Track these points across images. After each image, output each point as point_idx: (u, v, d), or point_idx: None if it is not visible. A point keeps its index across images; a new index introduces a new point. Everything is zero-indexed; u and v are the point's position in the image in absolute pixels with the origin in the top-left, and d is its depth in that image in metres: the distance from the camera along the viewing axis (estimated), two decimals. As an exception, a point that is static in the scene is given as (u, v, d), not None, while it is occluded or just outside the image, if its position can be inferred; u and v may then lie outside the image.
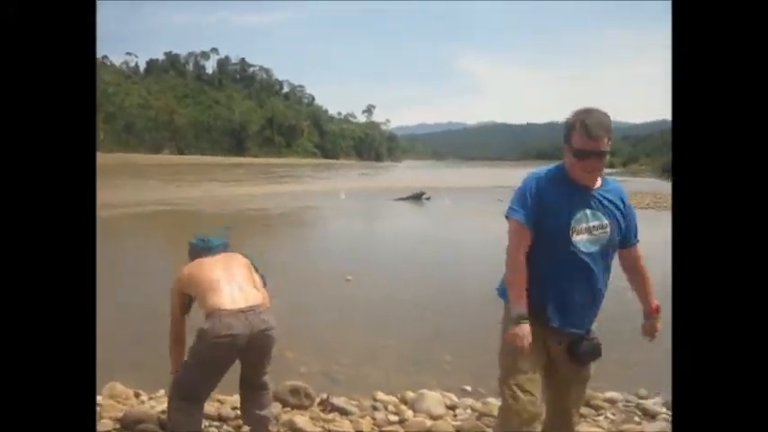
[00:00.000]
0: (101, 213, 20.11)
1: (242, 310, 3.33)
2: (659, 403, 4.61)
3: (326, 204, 28.23)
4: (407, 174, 79.14)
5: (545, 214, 2.87)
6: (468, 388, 5.29)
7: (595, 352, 2.96)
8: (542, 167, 3.11)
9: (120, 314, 7.50)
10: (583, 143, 2.74)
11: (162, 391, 4.71)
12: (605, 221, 2.87)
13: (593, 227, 2.86)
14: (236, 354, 3.40)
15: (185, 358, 3.44)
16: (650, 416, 4.42)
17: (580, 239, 2.84)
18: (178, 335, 3.67)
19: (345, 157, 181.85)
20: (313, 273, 11.13)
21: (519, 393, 2.96)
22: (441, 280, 10.84)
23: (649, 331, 3.07)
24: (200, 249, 3.73)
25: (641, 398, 4.75)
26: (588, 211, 2.86)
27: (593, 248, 2.87)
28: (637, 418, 4.43)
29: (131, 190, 32.54)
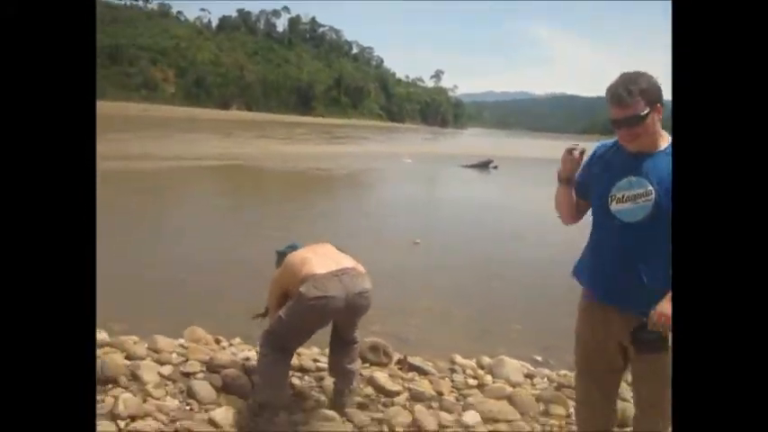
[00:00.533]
0: (169, 164, 20.69)
1: (334, 274, 3.44)
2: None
3: (391, 167, 28.26)
4: (472, 141, 78.47)
5: (592, 183, 2.83)
6: (539, 358, 5.28)
7: (655, 343, 2.58)
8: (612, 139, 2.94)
9: (188, 265, 7.77)
10: (613, 112, 2.61)
11: (238, 339, 4.87)
12: (650, 188, 2.63)
13: (638, 194, 2.66)
14: (331, 315, 3.51)
15: (280, 313, 3.51)
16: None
17: (622, 208, 2.69)
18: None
19: (411, 120, 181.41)
20: (381, 235, 11.21)
21: (590, 394, 2.92)
22: (507, 249, 10.81)
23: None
24: (285, 255, 3.80)
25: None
26: (633, 178, 2.67)
27: (638, 217, 2.65)
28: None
29: (200, 144, 33.15)
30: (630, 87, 2.55)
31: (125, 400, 3.42)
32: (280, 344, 3.51)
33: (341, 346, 3.75)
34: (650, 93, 2.58)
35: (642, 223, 2.65)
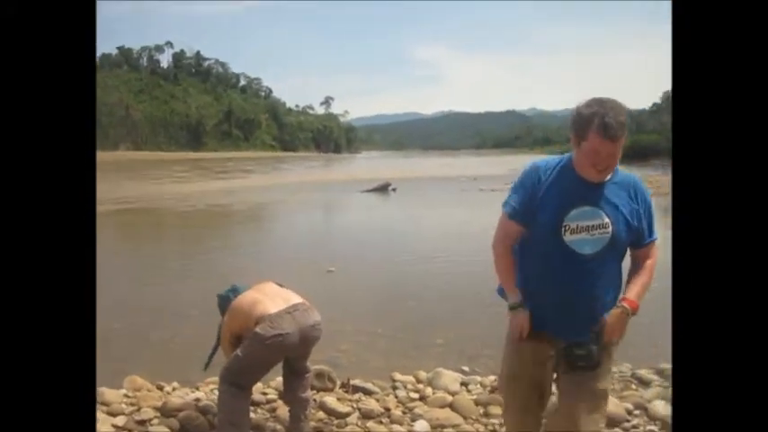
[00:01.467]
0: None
1: (287, 311, 3.59)
2: (651, 372, 4.99)
3: (291, 198, 28.26)
4: (368, 165, 79.17)
5: (540, 208, 2.61)
6: (466, 368, 5.55)
7: (587, 358, 2.61)
8: (548, 157, 2.79)
9: (103, 313, 7.66)
10: (600, 144, 2.40)
11: (175, 383, 4.92)
12: (606, 220, 2.54)
13: (593, 226, 2.55)
14: (287, 350, 3.64)
15: (238, 352, 3.58)
16: (645, 383, 4.79)
17: (576, 239, 2.55)
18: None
19: (304, 149, 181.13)
20: (293, 266, 11.30)
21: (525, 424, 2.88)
22: (416, 268, 11.12)
23: (606, 322, 2.66)
24: (229, 299, 3.86)
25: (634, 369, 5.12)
26: (588, 209, 2.55)
27: (593, 250, 2.56)
28: (633, 386, 4.79)
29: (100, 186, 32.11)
30: (620, 119, 2.41)
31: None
32: (238, 381, 3.58)
33: (295, 376, 3.87)
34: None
35: (597, 255, 2.58)
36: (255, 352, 3.53)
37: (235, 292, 3.88)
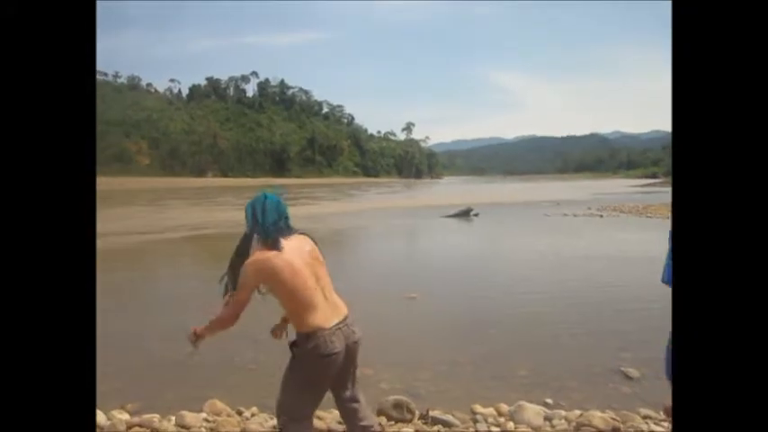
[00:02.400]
0: (146, 237, 20.67)
1: (338, 327, 3.32)
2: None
3: (374, 223, 28.43)
4: (449, 190, 79.09)
5: None
6: (550, 401, 5.38)
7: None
8: None
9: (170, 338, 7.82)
10: None
11: (254, 408, 4.94)
12: None
13: None
14: (336, 370, 3.37)
15: (287, 382, 3.39)
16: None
17: None
18: (233, 318, 3.32)
19: (386, 174, 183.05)
20: (377, 291, 11.31)
21: None
22: (499, 296, 10.94)
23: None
24: (278, 230, 3.35)
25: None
26: None
27: None
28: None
29: (179, 213, 33.13)
30: None
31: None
32: (297, 413, 3.38)
33: (349, 405, 3.62)
34: None
35: None
36: (310, 372, 3.31)
37: (286, 226, 3.40)
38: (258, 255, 3.24)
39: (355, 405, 3.63)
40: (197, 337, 3.45)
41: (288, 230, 3.38)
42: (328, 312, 3.33)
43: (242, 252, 3.32)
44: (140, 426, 4.37)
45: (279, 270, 3.20)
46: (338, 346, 3.28)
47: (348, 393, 3.59)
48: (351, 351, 3.39)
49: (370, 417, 3.72)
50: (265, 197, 3.40)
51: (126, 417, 4.55)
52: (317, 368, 3.29)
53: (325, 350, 3.23)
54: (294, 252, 3.29)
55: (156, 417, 4.53)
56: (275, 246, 3.25)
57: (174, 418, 4.49)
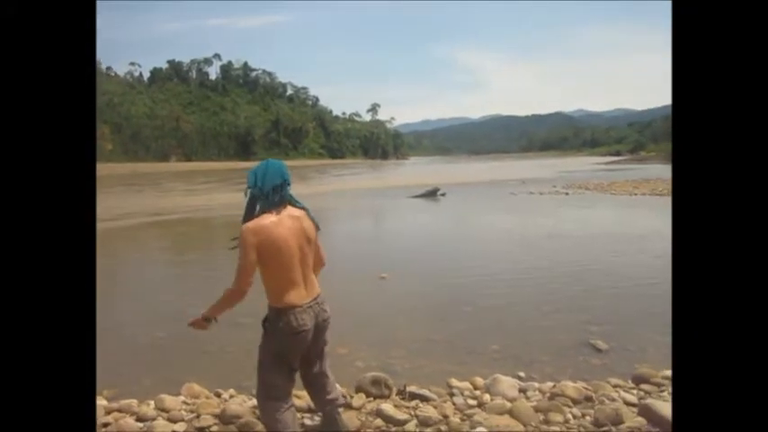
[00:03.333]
0: (113, 224, 20.41)
1: (309, 305, 3.42)
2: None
3: (340, 205, 28.42)
4: (415, 170, 79.21)
5: None
6: (522, 374, 5.50)
7: None
8: None
9: (155, 322, 7.82)
10: None
11: (232, 390, 4.99)
12: None
13: None
14: (306, 346, 3.47)
15: (260, 360, 3.47)
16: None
17: None
18: (240, 288, 3.29)
19: (352, 156, 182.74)
20: (348, 271, 11.35)
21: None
22: (469, 273, 11.07)
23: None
24: (278, 195, 3.39)
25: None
26: None
27: None
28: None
29: (143, 199, 32.77)
30: None
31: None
32: (276, 392, 3.45)
33: (316, 381, 3.73)
34: None
35: None
36: (280, 348, 3.41)
37: (283, 194, 3.42)
38: (257, 220, 3.30)
39: (323, 380, 3.74)
40: (205, 320, 3.51)
41: (287, 197, 3.45)
42: (303, 291, 3.42)
43: (245, 218, 3.38)
44: (119, 411, 4.38)
45: (274, 239, 3.27)
46: (308, 323, 3.39)
47: (317, 369, 3.70)
48: (320, 328, 3.51)
49: (336, 390, 3.83)
50: (267, 163, 3.46)
51: (104, 403, 4.56)
52: (288, 344, 3.39)
53: (296, 327, 3.34)
54: (290, 229, 3.37)
55: (134, 402, 4.54)
56: (276, 209, 3.34)
57: (152, 402, 4.51)
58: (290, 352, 3.43)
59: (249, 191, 3.41)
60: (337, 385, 3.95)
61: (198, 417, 4.25)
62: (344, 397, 4.19)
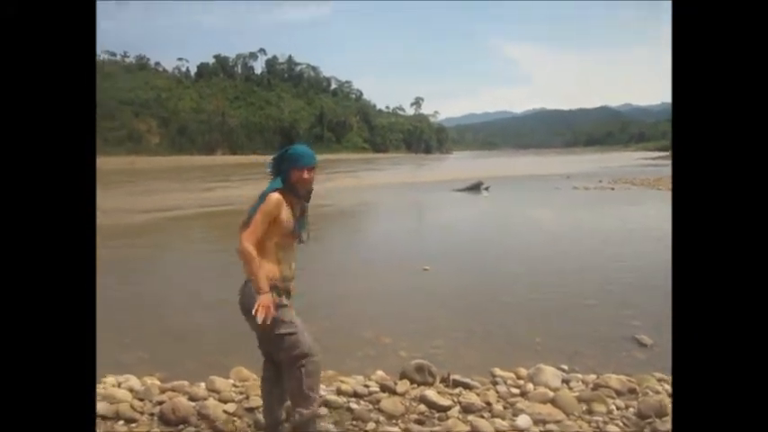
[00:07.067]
0: (165, 215, 20.77)
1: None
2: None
3: (386, 198, 28.51)
4: (459, 165, 78.94)
5: None
6: (565, 366, 5.51)
7: None
8: None
9: (200, 310, 7.98)
10: None
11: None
12: None
13: None
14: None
15: (281, 330, 3.47)
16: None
17: None
18: (248, 247, 3.41)
19: (395, 150, 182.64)
20: (391, 264, 11.46)
21: None
22: (511, 266, 11.07)
23: None
24: (296, 174, 3.55)
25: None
26: None
27: None
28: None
29: (186, 192, 33.24)
30: None
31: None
32: (303, 348, 3.50)
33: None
34: None
35: None
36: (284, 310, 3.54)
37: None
38: (280, 193, 3.49)
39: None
40: (265, 307, 3.41)
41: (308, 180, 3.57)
42: (285, 272, 3.56)
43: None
44: (173, 390, 4.53)
45: (288, 215, 3.49)
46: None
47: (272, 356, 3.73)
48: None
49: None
50: (291, 146, 3.66)
51: (158, 383, 4.72)
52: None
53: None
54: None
55: (185, 383, 4.68)
56: (293, 190, 3.55)
57: (203, 384, 4.65)
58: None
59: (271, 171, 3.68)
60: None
61: (247, 398, 4.38)
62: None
